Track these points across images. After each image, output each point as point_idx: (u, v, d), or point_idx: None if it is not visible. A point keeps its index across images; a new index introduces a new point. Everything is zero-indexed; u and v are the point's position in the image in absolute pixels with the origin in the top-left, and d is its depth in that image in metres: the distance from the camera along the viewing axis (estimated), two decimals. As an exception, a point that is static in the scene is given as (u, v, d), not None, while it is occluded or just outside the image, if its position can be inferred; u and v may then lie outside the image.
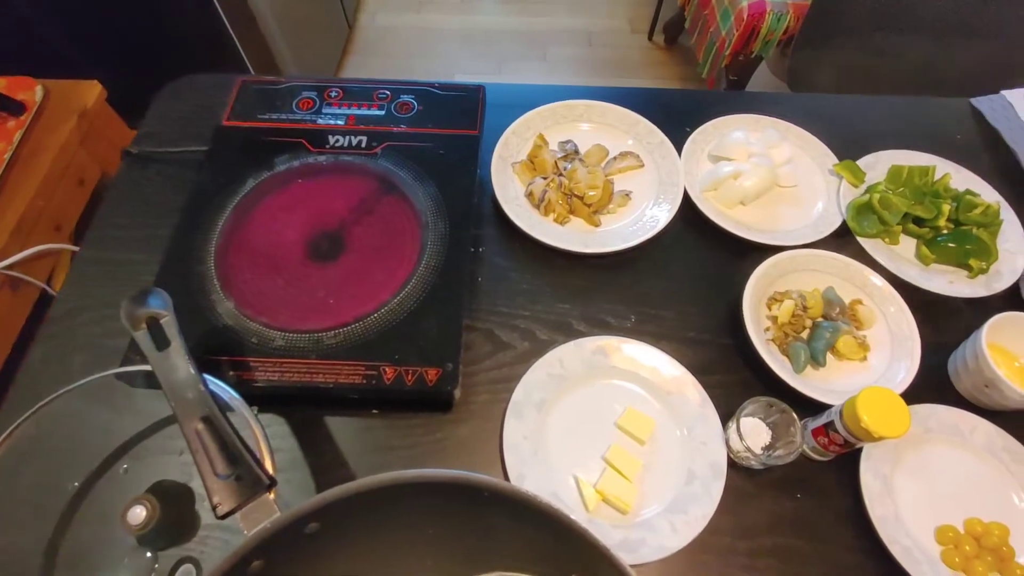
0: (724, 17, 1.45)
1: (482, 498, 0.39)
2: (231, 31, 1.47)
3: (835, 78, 1.08)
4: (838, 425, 0.47)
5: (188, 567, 0.47)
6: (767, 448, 0.51)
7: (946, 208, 0.62)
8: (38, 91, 1.26)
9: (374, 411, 0.53)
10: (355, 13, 2.09)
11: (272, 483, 0.39)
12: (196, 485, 0.49)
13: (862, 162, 0.68)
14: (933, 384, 0.56)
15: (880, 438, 0.44)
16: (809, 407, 0.52)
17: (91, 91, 1.30)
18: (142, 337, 0.42)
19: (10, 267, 1.08)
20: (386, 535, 0.43)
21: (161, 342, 0.42)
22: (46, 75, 1.27)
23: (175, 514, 0.47)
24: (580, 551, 0.38)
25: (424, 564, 0.46)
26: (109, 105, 1.33)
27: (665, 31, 2.01)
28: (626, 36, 2.10)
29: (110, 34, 1.39)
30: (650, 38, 2.07)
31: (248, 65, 1.54)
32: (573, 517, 0.36)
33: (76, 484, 0.47)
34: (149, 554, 0.46)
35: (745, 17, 1.35)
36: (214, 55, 1.50)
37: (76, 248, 0.73)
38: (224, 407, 0.45)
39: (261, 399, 0.52)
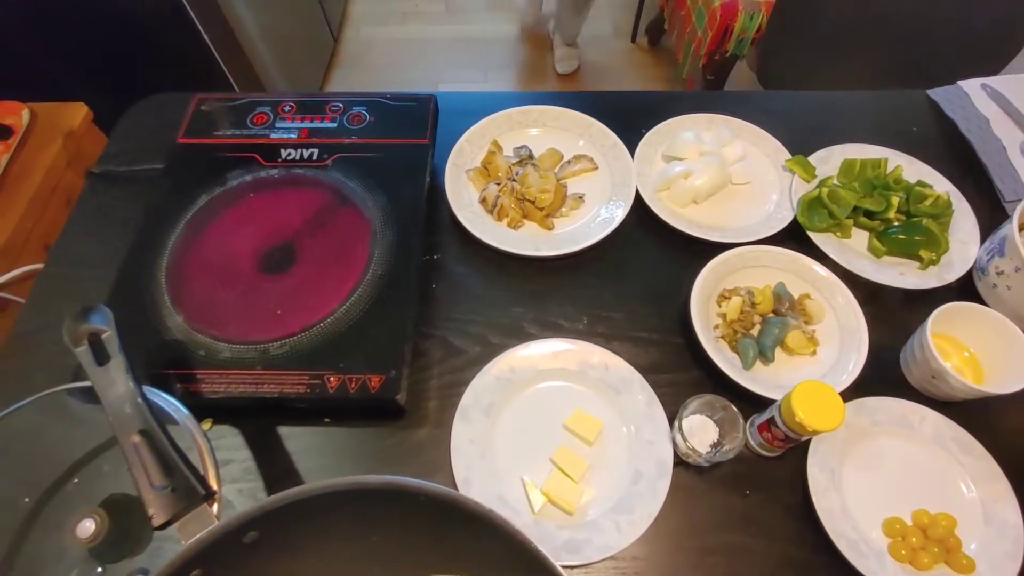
0: (699, 17, 1.46)
1: (419, 504, 0.39)
2: (213, 50, 1.49)
3: (804, 76, 1.08)
4: (778, 420, 0.47)
5: (140, 578, 0.48)
6: (715, 445, 0.51)
7: (895, 200, 0.62)
8: (24, 115, 1.28)
9: (326, 420, 0.54)
10: (340, 26, 2.11)
11: (209, 494, 0.40)
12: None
13: (815, 157, 0.68)
14: (888, 377, 0.56)
15: (815, 432, 0.44)
16: (759, 403, 0.52)
17: (77, 113, 1.33)
18: (83, 353, 0.43)
19: (-3, 288, 1.10)
20: (329, 543, 0.43)
21: (102, 357, 0.43)
22: (32, 97, 1.30)
23: (126, 527, 0.48)
24: (519, 554, 0.38)
25: (370, 572, 0.46)
26: (96, 126, 1.36)
27: (647, 33, 2.02)
28: (610, 40, 2.11)
29: (95, 55, 1.42)
30: (633, 40, 2.08)
31: (232, 82, 1.56)
32: (506, 519, 0.36)
33: (27, 500, 0.48)
34: (99, 568, 0.47)
35: (718, 17, 1.35)
36: (198, 74, 1.53)
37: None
38: (168, 420, 0.46)
39: (213, 411, 0.53)
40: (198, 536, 0.37)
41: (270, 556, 0.41)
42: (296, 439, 0.53)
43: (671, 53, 2.00)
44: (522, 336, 0.59)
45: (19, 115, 1.27)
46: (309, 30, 1.90)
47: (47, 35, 1.43)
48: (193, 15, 1.38)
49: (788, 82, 1.11)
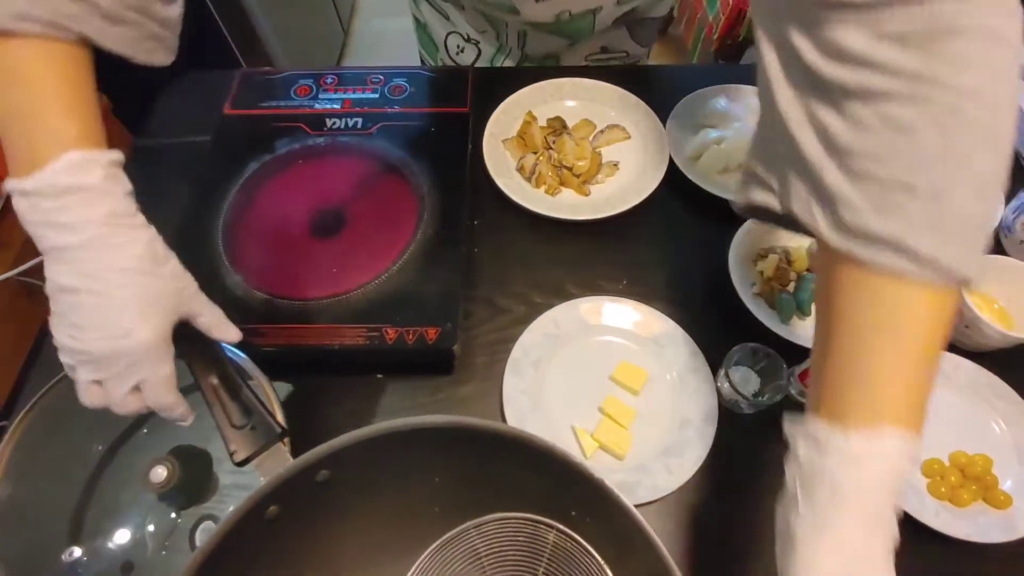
0: (711, 3, 1.48)
1: (483, 443, 0.40)
2: (231, 41, 1.51)
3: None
4: (821, 364, 0.49)
5: (208, 524, 0.49)
6: (756, 394, 0.53)
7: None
8: (46, 104, 1.29)
9: (379, 375, 0.56)
10: (350, 19, 2.13)
11: (284, 432, 0.42)
12: (213, 448, 0.51)
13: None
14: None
15: (860, 372, 0.46)
16: (797, 354, 0.54)
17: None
18: None
19: (24, 273, 1.12)
20: (394, 484, 0.45)
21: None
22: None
23: (194, 475, 0.49)
24: (579, 488, 0.39)
25: (431, 511, 0.48)
26: (114, 116, 1.37)
27: (655, 22, 2.03)
28: (617, 29, 2.13)
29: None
30: (640, 30, 2.10)
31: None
32: (570, 454, 0.37)
33: (101, 448, 0.50)
34: (172, 513, 0.49)
35: (731, 1, 1.37)
36: (213, 66, 1.54)
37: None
38: (236, 369, 0.48)
39: (270, 366, 0.55)
40: (276, 472, 0.39)
41: (338, 495, 0.43)
42: (348, 394, 0.55)
43: (679, 42, 2.02)
44: (564, 296, 0.60)
45: (42, 104, 1.28)
46: (320, 21, 1.91)
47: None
48: (212, 8, 1.40)
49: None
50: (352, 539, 0.44)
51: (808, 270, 0.59)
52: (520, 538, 0.41)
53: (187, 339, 0.40)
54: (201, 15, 1.42)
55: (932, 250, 0.29)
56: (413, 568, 0.42)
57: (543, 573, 0.41)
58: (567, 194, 0.66)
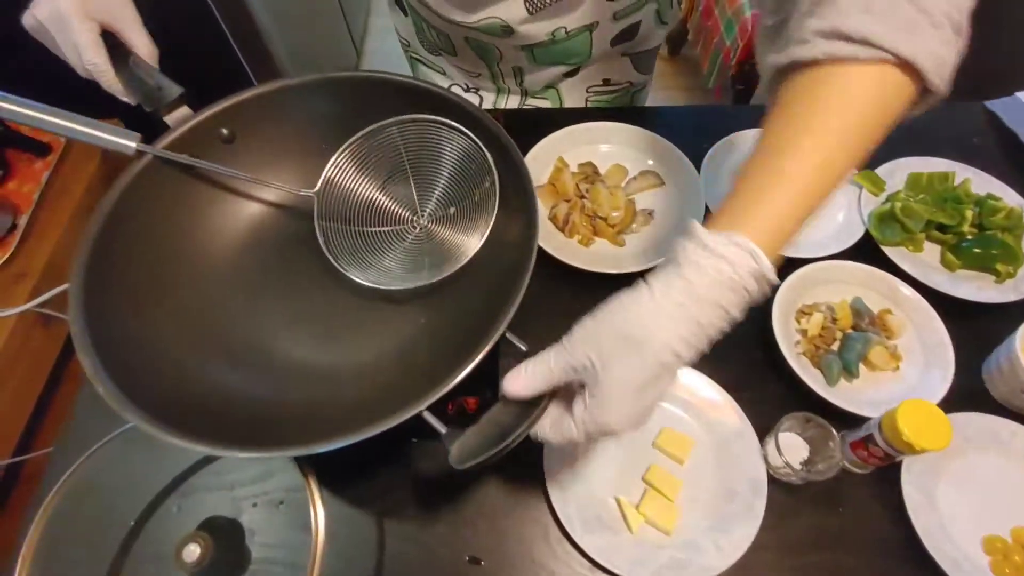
0: (728, 27, 1.47)
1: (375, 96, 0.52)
2: (245, 64, 1.51)
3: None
4: (878, 439, 0.47)
5: (242, 603, 0.48)
6: (806, 463, 0.51)
7: (969, 213, 0.62)
8: (63, 133, 1.29)
9: (414, 439, 0.54)
10: (362, 40, 2.13)
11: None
12: (245, 520, 0.50)
13: (882, 170, 0.68)
14: (968, 391, 0.56)
15: (922, 451, 0.44)
16: (844, 419, 0.52)
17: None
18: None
19: (42, 305, 1.11)
20: (286, 144, 0.54)
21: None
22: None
23: (226, 549, 0.48)
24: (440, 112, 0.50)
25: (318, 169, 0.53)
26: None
27: (668, 42, 2.03)
28: (629, 49, 2.13)
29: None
30: (653, 50, 2.10)
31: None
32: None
33: (132, 522, 0.48)
34: (203, 593, 0.47)
35: (749, 28, 1.36)
36: (229, 87, 1.54)
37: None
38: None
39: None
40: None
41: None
42: (386, 463, 0.54)
43: (692, 62, 2.01)
44: (600, 353, 0.59)
45: (59, 132, 1.28)
46: (333, 43, 1.91)
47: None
48: (228, 33, 1.40)
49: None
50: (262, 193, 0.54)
51: (853, 327, 0.58)
52: (433, 138, 0.51)
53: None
54: (216, 37, 1.42)
55: (861, 27, 0.32)
56: (341, 148, 0.51)
57: (448, 169, 0.52)
58: (601, 244, 0.65)
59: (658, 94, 1.97)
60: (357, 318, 0.52)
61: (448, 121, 0.50)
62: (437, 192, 0.53)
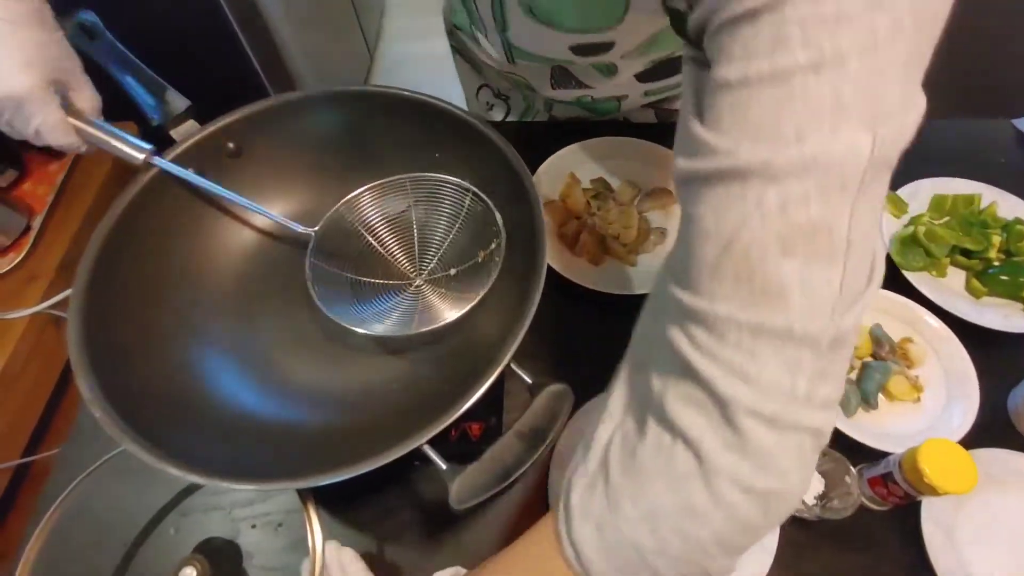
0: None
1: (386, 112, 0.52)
2: (258, 67, 1.51)
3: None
4: (898, 478, 0.45)
5: (239, 629, 0.47)
6: (820, 498, 0.49)
7: (996, 239, 0.60)
8: (78, 135, 1.29)
9: (416, 462, 0.53)
10: (376, 42, 2.13)
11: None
12: (243, 541, 0.49)
13: (903, 192, 0.66)
14: (992, 425, 0.54)
15: (946, 493, 0.42)
16: (862, 452, 0.50)
17: (126, 131, 1.34)
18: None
19: (54, 306, 1.11)
20: (293, 158, 0.53)
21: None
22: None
23: (224, 572, 0.47)
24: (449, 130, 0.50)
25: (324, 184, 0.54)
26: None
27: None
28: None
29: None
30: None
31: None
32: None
33: (128, 544, 0.47)
34: (201, 615, 0.46)
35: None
36: (241, 89, 1.54)
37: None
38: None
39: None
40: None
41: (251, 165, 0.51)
42: (388, 484, 0.53)
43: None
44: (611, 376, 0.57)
45: (74, 135, 1.29)
46: (346, 45, 1.91)
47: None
48: (242, 37, 1.40)
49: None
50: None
51: (873, 356, 0.56)
52: (443, 194, 0.51)
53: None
54: (231, 41, 1.42)
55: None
56: (348, 197, 0.51)
57: (458, 224, 0.51)
58: (611, 263, 0.63)
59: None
60: (358, 343, 0.51)
61: (464, 183, 0.50)
62: (440, 251, 0.52)
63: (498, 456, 0.37)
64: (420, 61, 2.09)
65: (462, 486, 0.35)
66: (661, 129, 0.75)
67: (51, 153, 1.22)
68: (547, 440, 0.37)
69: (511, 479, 0.35)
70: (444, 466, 0.36)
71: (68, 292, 1.26)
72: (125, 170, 1.43)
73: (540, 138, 0.71)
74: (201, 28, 1.41)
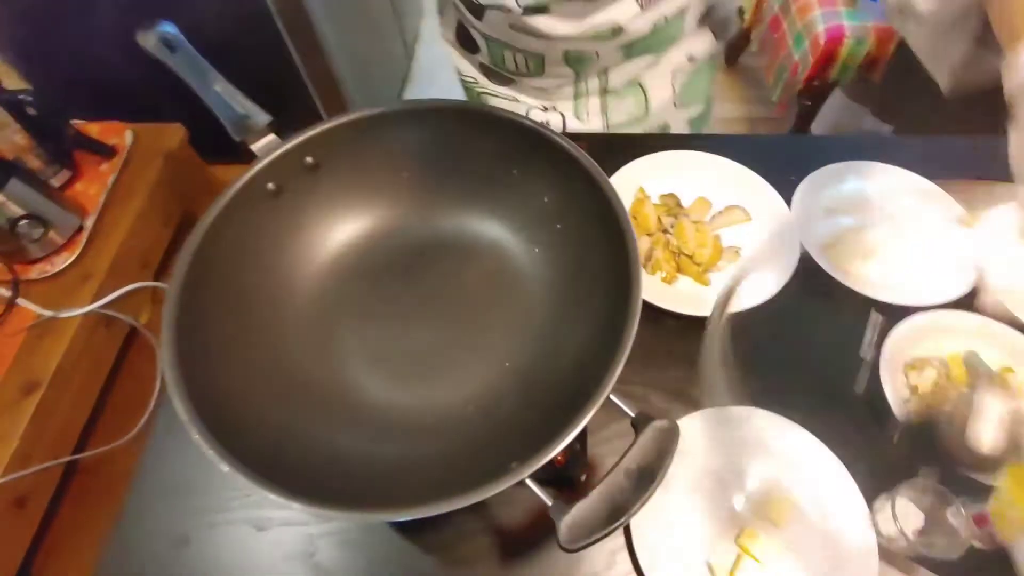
0: (797, 41, 1.41)
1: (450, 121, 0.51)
2: (302, 70, 1.51)
3: (933, 107, 1.02)
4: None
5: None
6: (921, 533, 0.47)
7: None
8: (128, 135, 1.31)
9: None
10: (414, 44, 2.13)
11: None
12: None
13: (1000, 213, 0.63)
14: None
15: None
16: (965, 487, 0.48)
17: (175, 134, 1.36)
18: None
19: (106, 306, 1.13)
20: (370, 173, 0.53)
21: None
22: (131, 121, 1.33)
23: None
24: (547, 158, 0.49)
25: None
26: (190, 146, 1.39)
27: (726, 51, 1.96)
28: (683, 58, 2.07)
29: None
30: (709, 59, 2.04)
31: (316, 99, 1.58)
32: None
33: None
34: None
35: (821, 43, 1.30)
36: (284, 89, 1.55)
37: (164, 285, 0.76)
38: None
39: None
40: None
41: (324, 179, 0.51)
42: (451, 521, 0.52)
43: (750, 72, 1.95)
44: (685, 399, 0.56)
45: (122, 135, 1.31)
46: (386, 46, 1.91)
47: (147, 64, 1.47)
48: (289, 42, 1.40)
49: (913, 114, 1.05)
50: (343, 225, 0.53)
51: (970, 386, 0.53)
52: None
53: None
54: (279, 45, 1.43)
55: None
56: None
57: None
58: (685, 283, 0.62)
59: (718, 105, 1.91)
60: (440, 359, 0.50)
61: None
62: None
63: (606, 494, 0.35)
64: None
65: (573, 525, 0.34)
66: (728, 142, 0.73)
67: (103, 153, 1.24)
68: (656, 479, 0.36)
69: (622, 520, 0.34)
70: (550, 503, 0.35)
71: (120, 292, 1.27)
72: (173, 174, 1.44)
73: (600, 151, 0.69)
74: (248, 29, 1.42)
